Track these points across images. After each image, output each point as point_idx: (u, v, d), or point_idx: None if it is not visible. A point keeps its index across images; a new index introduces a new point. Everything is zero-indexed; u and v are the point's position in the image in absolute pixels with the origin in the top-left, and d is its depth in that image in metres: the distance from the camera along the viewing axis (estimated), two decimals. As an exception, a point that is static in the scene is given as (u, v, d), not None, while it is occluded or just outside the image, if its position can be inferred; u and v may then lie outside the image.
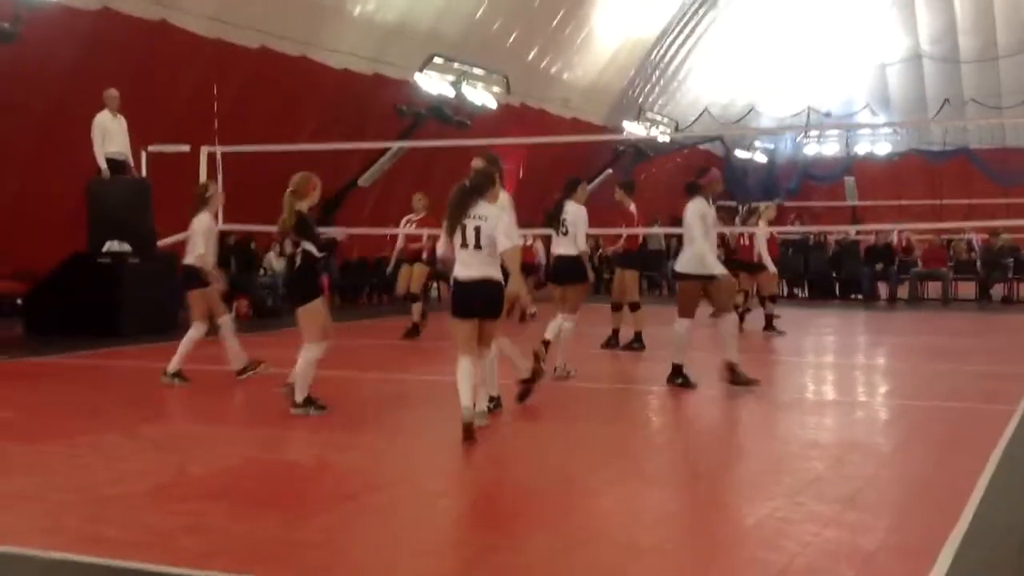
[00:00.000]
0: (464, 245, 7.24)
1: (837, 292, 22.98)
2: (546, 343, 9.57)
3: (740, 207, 30.60)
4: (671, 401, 9.37)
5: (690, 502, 5.72)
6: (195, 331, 9.88)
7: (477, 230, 7.21)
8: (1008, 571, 4.43)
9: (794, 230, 24.89)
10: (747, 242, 15.38)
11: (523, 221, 27.88)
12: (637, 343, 12.55)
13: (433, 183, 23.28)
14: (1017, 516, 5.32)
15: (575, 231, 10.24)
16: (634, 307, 12.70)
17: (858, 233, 24.15)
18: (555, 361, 10.03)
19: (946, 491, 5.96)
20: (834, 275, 23.11)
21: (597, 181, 25.41)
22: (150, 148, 15.02)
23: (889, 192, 30.72)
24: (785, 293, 23.75)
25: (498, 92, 23.33)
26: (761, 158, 38.90)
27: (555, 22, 24.60)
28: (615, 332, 12.82)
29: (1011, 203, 21.47)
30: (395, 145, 19.79)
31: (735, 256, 15.08)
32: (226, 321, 10.14)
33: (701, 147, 33.78)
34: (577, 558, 4.75)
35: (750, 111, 34.58)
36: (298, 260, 8.55)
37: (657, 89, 31.55)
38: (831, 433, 7.90)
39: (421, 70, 21.16)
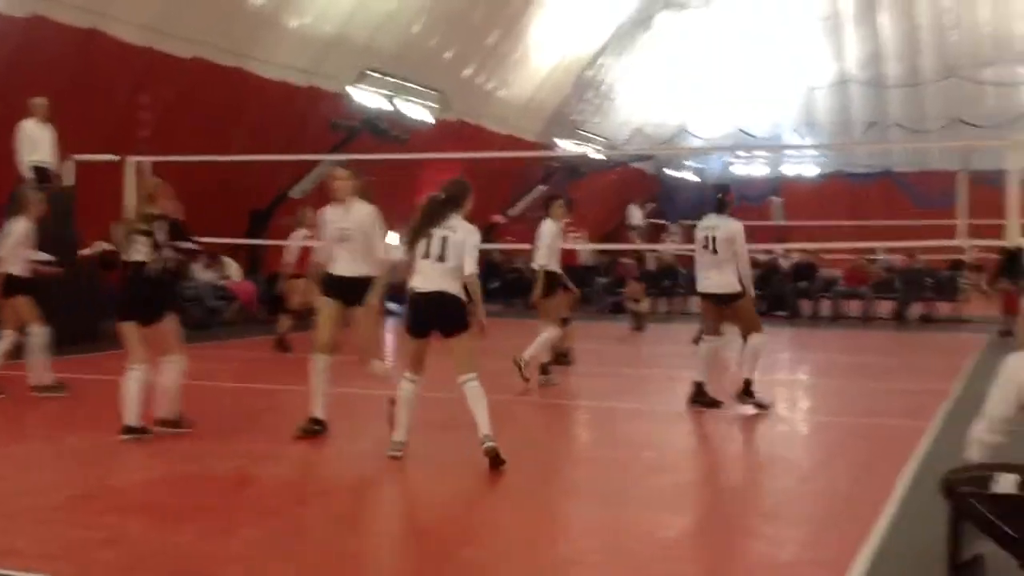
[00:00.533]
0: (426, 256, 6.87)
1: (763, 309, 23.31)
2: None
3: (670, 225, 30.96)
4: (599, 417, 9.46)
5: (614, 516, 5.78)
6: (5, 341, 9.53)
7: (444, 240, 6.85)
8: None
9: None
10: None
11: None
12: (564, 358, 12.64)
13: (367, 197, 23.25)
14: (931, 531, 5.44)
15: (540, 245, 10.87)
16: (564, 322, 12.77)
17: (786, 252, 24.53)
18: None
19: (864, 505, 6.09)
20: (759, 292, 23.47)
21: (530, 198, 25.60)
22: (77, 157, 14.79)
23: (815, 212, 31.27)
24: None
25: (435, 108, 23.36)
26: (692, 178, 39.40)
27: (492, 39, 24.72)
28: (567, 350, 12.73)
29: (931, 224, 21.98)
30: (329, 158, 19.71)
31: None
32: (37, 332, 9.61)
33: (633, 165, 34.13)
34: (505, 570, 4.79)
35: (681, 131, 35.04)
36: (167, 266, 7.84)
37: (591, 107, 31.85)
38: (753, 448, 8.03)
39: (356, 84, 21.12)
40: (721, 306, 9.43)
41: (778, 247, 25.62)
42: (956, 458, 7.54)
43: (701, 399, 9.32)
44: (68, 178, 14.78)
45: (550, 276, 10.87)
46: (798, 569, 4.77)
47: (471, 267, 6.86)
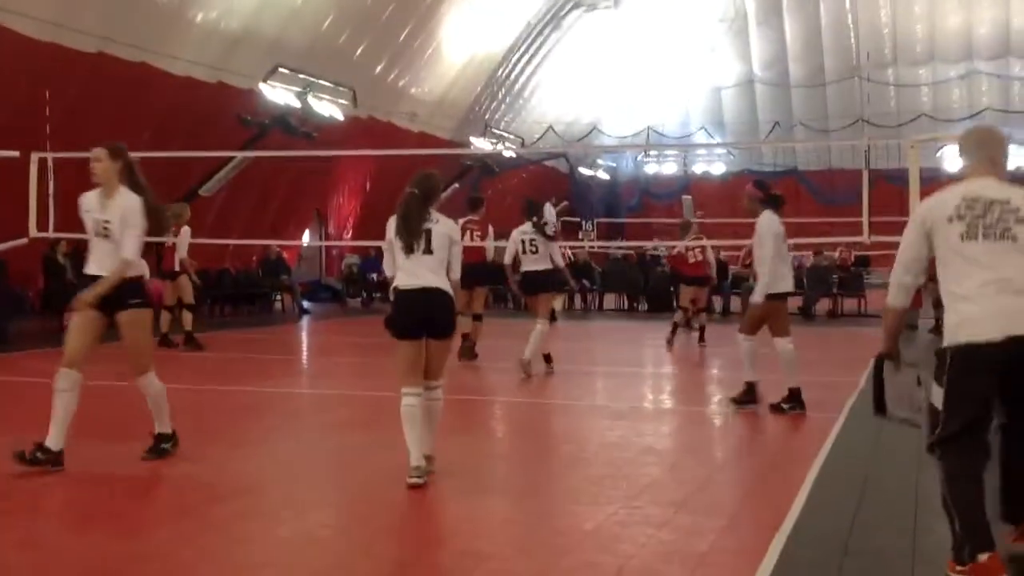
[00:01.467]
0: (410, 250, 6.35)
1: (674, 306, 23.63)
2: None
3: (584, 223, 31.27)
4: (514, 412, 9.51)
5: (529, 509, 5.83)
6: None
7: (427, 233, 6.38)
8: (833, 570, 4.67)
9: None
10: (699, 257, 15.83)
11: (371, 233, 27.80)
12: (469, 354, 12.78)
13: (278, 193, 23.02)
14: (840, 517, 5.61)
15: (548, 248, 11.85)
16: (477, 318, 12.90)
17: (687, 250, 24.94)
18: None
19: (776, 494, 6.25)
20: (671, 289, 23.79)
21: (444, 196, 25.52)
22: (-24, 153, 14.37)
23: (724, 210, 31.83)
24: (625, 307, 24.34)
25: (345, 104, 23.21)
26: (604, 176, 39.76)
27: (403, 36, 24.66)
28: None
29: (835, 222, 22.56)
30: (239, 155, 19.46)
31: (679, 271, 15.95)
32: None
33: (546, 163, 34.34)
34: (421, 565, 4.79)
35: (593, 130, 35.35)
36: None
37: (503, 106, 31.95)
38: (667, 440, 8.16)
39: (266, 80, 20.88)
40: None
41: (687, 244, 26.02)
42: (863, 447, 7.79)
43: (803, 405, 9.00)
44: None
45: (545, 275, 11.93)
46: (714, 557, 4.86)
47: (457, 270, 6.50)
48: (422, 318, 6.31)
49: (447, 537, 5.50)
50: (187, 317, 14.41)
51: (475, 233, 12.70)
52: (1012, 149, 12.35)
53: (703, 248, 16.03)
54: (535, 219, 12.04)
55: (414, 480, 6.13)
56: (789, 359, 9.08)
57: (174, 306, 14.46)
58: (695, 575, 4.56)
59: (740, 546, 5.10)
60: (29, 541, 5.01)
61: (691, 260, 16.06)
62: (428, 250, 6.34)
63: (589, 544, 5.06)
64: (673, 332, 15.41)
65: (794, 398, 8.99)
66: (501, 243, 12.84)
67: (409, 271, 6.34)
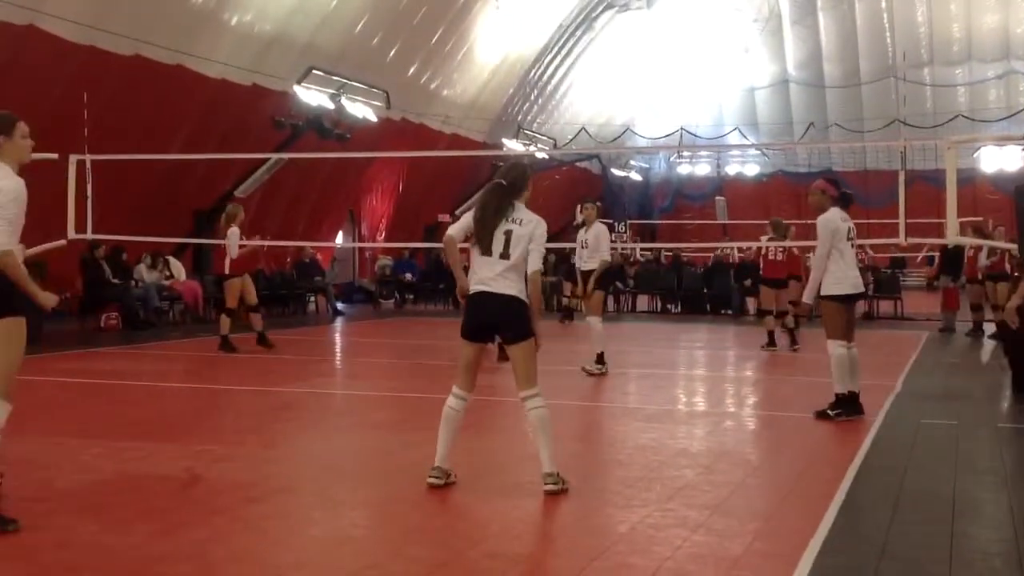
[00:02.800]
0: (487, 252, 6.12)
1: (708, 308, 23.56)
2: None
3: (616, 224, 31.21)
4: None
5: (563, 510, 5.82)
6: None
7: (508, 235, 6.10)
8: (868, 575, 4.63)
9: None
10: (779, 256, 15.30)
11: (404, 235, 27.94)
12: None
13: (311, 195, 23.15)
14: (876, 522, 5.56)
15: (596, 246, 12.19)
16: None
17: (728, 251, 24.83)
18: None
19: (810, 498, 6.20)
20: (705, 291, 23.71)
21: (477, 197, 25.58)
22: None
23: (758, 211, 31.65)
24: (659, 309, 24.27)
25: (378, 106, 23.30)
26: (636, 177, 39.67)
27: (435, 39, 24.71)
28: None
29: (871, 223, 22.38)
30: (273, 157, 19.59)
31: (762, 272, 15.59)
32: None
33: (579, 165, 34.31)
34: (454, 566, 4.80)
35: (625, 131, 35.26)
36: None
37: (536, 107, 31.94)
38: (701, 442, 8.11)
39: (300, 82, 21.00)
40: (851, 307, 9.09)
41: (723, 245, 25.91)
42: (900, 451, 7.72)
43: (860, 409, 8.85)
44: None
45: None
46: (747, 561, 4.84)
47: (536, 263, 6.14)
48: (485, 322, 6.18)
49: (479, 538, 5.49)
50: (255, 318, 14.29)
51: None
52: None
53: (786, 248, 15.34)
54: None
55: (431, 480, 6.15)
56: (836, 363, 8.83)
57: (236, 308, 14.24)
58: (729, 579, 4.54)
59: (774, 550, 5.07)
60: (64, 541, 5.05)
61: (772, 259, 15.45)
62: (505, 254, 6.10)
63: (623, 546, 5.04)
64: (771, 338, 14.95)
65: (841, 403, 8.79)
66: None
67: (481, 273, 6.15)
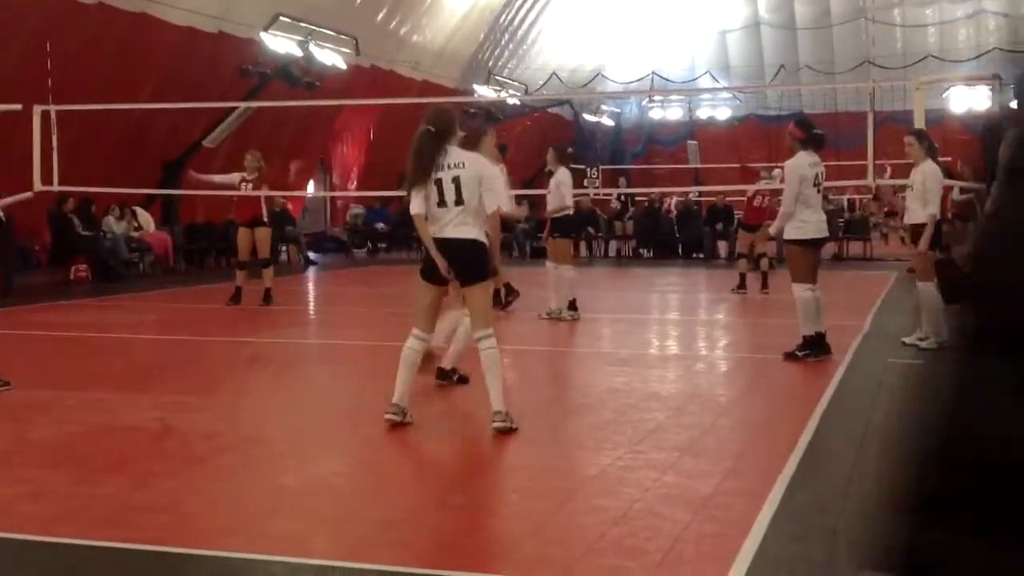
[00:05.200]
0: (442, 203, 6.16)
1: (680, 252, 23.64)
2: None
3: (588, 170, 31.15)
4: (519, 360, 9.55)
5: (535, 455, 5.88)
6: None
7: (456, 181, 6.15)
8: (834, 511, 4.73)
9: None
10: (764, 203, 15.27)
11: (376, 184, 27.69)
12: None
13: (281, 144, 22.95)
14: (842, 461, 5.66)
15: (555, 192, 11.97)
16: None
17: (699, 195, 24.86)
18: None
19: (779, 438, 6.30)
20: (677, 235, 23.78)
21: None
22: (-20, 106, 14.34)
23: (730, 155, 31.68)
24: (631, 254, 24.34)
25: (347, 53, 23.04)
26: (608, 122, 39.55)
27: (404, -18, 24.41)
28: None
29: (843, 165, 22.44)
30: (241, 105, 19.38)
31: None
32: None
33: (551, 111, 34.14)
34: (428, 510, 4.86)
35: (597, 76, 35.07)
36: None
37: (507, 53, 31.68)
38: (672, 385, 8.20)
39: (267, 29, 20.72)
40: (817, 251, 9.06)
41: (694, 189, 25.95)
42: (867, 390, 7.84)
43: (827, 349, 8.87)
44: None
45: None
46: (717, 500, 4.92)
47: (492, 203, 6.25)
48: (450, 264, 6.20)
49: (455, 483, 5.56)
50: (268, 273, 13.81)
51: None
52: None
53: (771, 195, 15.20)
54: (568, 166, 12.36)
55: (389, 416, 6.27)
56: (802, 306, 8.88)
57: (245, 261, 13.76)
58: (698, 517, 4.62)
59: (743, 488, 5.15)
60: (40, 493, 5.07)
61: (756, 204, 15.54)
62: (459, 200, 6.14)
63: (594, 488, 5.12)
64: (742, 281, 14.90)
65: (808, 344, 8.85)
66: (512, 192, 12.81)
67: (441, 221, 6.20)
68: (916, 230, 9.41)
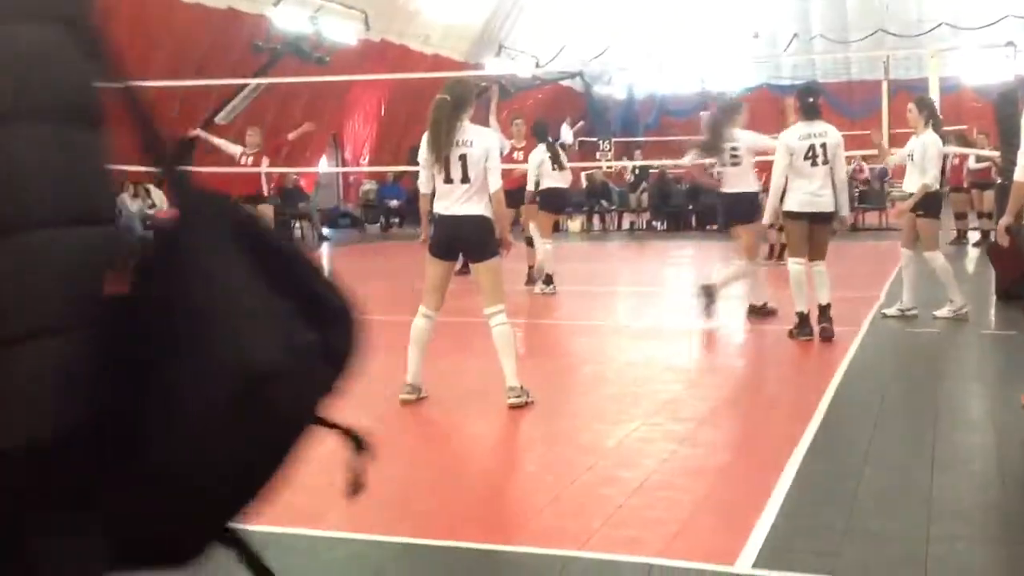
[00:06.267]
0: (448, 180, 6.15)
1: (693, 224, 23.57)
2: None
3: (600, 143, 31.01)
4: (535, 333, 9.57)
5: (552, 427, 5.90)
6: None
7: (463, 159, 6.13)
8: (851, 482, 4.73)
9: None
10: None
11: (388, 159, 27.63)
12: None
13: (292, 120, 22.93)
14: (859, 430, 5.66)
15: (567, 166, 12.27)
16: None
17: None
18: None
19: (795, 408, 6.30)
20: (690, 207, 23.70)
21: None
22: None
23: (743, 126, 31.54)
24: (644, 226, 24.29)
25: (357, 27, 22.98)
26: (620, 94, 39.37)
27: (413, -44, 24.30)
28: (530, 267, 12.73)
29: (856, 135, 22.31)
30: (252, 82, 19.36)
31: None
32: None
33: (562, 83, 33.99)
34: (444, 482, 4.88)
35: (608, 48, 34.89)
36: None
37: (517, 26, 31.54)
38: (687, 358, 8.21)
39: (276, 4, 20.67)
40: (815, 224, 8.56)
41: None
42: (884, 359, 7.83)
43: (808, 331, 8.46)
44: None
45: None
46: (733, 471, 4.93)
47: (495, 182, 6.20)
48: (453, 242, 6.28)
49: (471, 457, 5.59)
50: None
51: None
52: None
53: None
54: (549, 140, 12.07)
55: (404, 396, 6.33)
56: (791, 280, 8.61)
57: None
58: (714, 487, 4.63)
59: (759, 459, 5.16)
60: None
61: None
62: (465, 178, 6.13)
63: (611, 460, 5.13)
64: (771, 252, 14.70)
65: (803, 323, 8.52)
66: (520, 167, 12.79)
67: (446, 198, 6.21)
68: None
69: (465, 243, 6.29)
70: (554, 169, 12.05)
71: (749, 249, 9.52)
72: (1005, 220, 6.00)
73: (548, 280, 11.83)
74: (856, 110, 30.56)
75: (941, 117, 9.70)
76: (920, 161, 9.17)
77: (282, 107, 21.50)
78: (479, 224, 6.21)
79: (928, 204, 9.24)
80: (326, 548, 4.02)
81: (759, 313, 9.71)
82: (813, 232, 8.60)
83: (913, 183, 9.32)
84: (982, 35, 29.16)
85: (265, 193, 13.88)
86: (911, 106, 9.48)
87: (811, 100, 8.72)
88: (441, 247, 6.30)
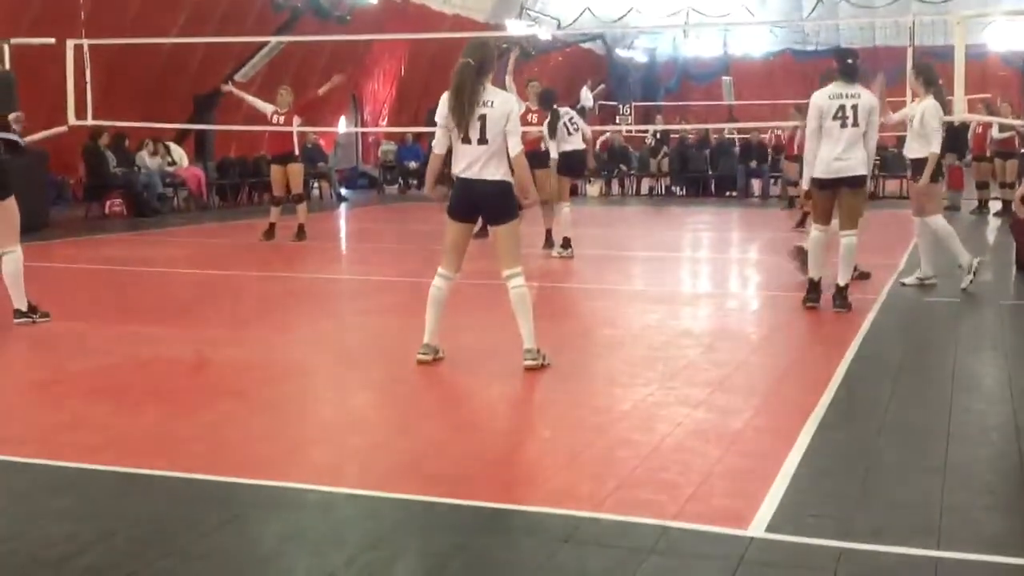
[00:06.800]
0: (467, 140, 6.12)
1: (712, 190, 23.47)
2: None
3: (620, 106, 30.83)
4: (553, 297, 9.57)
5: (568, 390, 5.91)
6: None
7: (482, 119, 6.09)
8: (866, 448, 4.73)
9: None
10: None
11: (407, 120, 27.56)
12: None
13: (312, 79, 22.86)
14: (875, 398, 5.65)
15: (582, 129, 12.51)
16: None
17: (734, 132, 24.59)
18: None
19: (811, 375, 6.29)
20: (709, 173, 23.59)
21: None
22: (13, 41, 14.37)
23: (765, 91, 31.26)
24: (663, 191, 24.20)
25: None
26: (641, 58, 39.08)
27: (435, -86, 24.09)
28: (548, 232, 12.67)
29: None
30: (272, 40, 19.30)
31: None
32: None
33: (583, 46, 33.76)
34: (460, 443, 4.91)
35: (630, 10, 34.57)
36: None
37: (539, -14, 31.30)
38: (704, 323, 8.19)
39: (297, -38, 20.56)
40: (841, 190, 8.27)
41: (729, 126, 25.69)
42: (902, 328, 7.81)
43: (814, 298, 8.38)
44: (2, 62, 14.39)
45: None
46: (748, 435, 4.93)
47: (516, 145, 6.16)
48: (471, 204, 6.26)
49: (486, 417, 5.61)
50: (302, 209, 13.85)
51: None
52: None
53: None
54: (555, 108, 12.19)
55: (421, 356, 6.34)
56: (810, 245, 8.55)
57: (280, 196, 13.80)
58: (730, 452, 4.63)
59: (774, 425, 5.16)
60: (79, 422, 5.16)
61: (798, 140, 15.36)
62: (483, 139, 6.10)
63: (626, 423, 5.14)
64: (804, 219, 14.65)
65: (811, 289, 8.42)
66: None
67: (464, 160, 6.17)
68: (916, 164, 9.24)
69: (483, 206, 6.28)
70: (569, 134, 12.15)
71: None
72: (1022, 190, 5.96)
73: (566, 243, 11.83)
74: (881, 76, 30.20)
75: (943, 84, 9.50)
76: (919, 128, 9.08)
77: (302, 65, 21.43)
78: (498, 187, 6.19)
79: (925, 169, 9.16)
80: (340, 504, 4.05)
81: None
82: (841, 198, 8.34)
83: (912, 150, 9.24)
84: (1009, 2, 28.76)
85: (296, 152, 13.88)
86: (909, 72, 9.40)
87: (849, 61, 8.39)
88: (459, 209, 6.29)
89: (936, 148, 9.04)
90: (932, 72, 9.48)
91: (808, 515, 3.87)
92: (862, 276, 9.63)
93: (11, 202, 7.70)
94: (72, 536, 3.63)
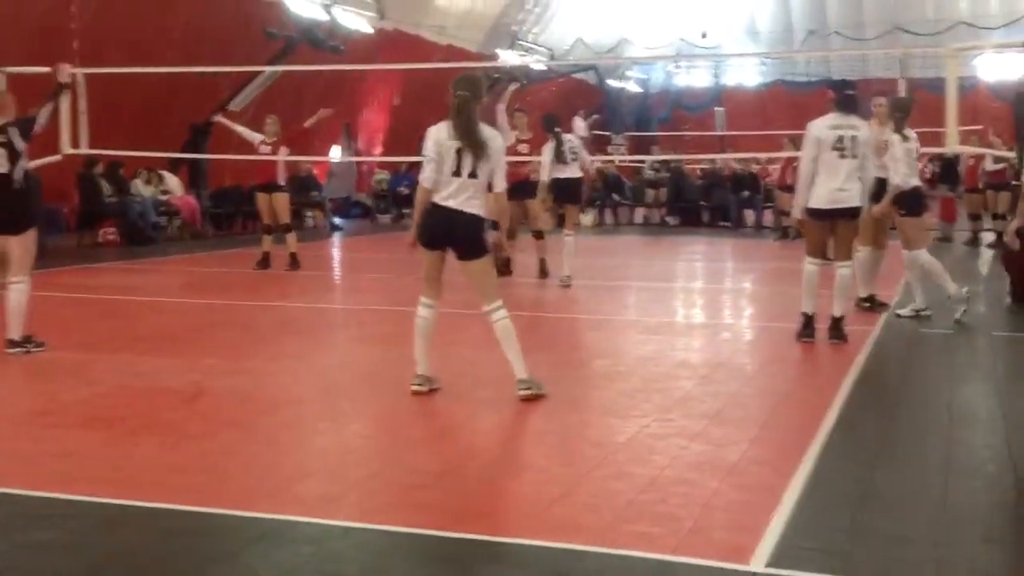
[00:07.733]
0: (457, 173, 6.14)
1: (705, 220, 23.50)
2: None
3: (613, 136, 30.91)
4: (548, 327, 9.56)
5: (565, 421, 5.89)
6: None
7: (478, 155, 6.17)
8: (864, 480, 4.72)
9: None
10: None
11: (400, 149, 27.54)
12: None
13: (306, 109, 22.91)
14: (872, 430, 5.65)
15: (582, 158, 12.60)
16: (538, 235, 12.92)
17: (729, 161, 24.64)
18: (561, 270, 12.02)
19: (807, 406, 6.28)
20: (702, 203, 23.63)
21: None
22: (8, 69, 14.38)
23: (756, 122, 31.39)
24: (658, 221, 24.23)
25: (372, 16, 22.95)
26: (634, 88, 39.27)
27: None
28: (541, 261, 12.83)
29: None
30: (267, 69, 19.34)
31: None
32: None
33: (576, 76, 33.91)
34: (455, 474, 4.88)
35: (623, 41, 34.80)
36: (17, 177, 7.72)
37: (532, 17, 31.47)
38: (699, 354, 8.18)
39: (291, -9, 20.64)
40: (838, 221, 8.20)
41: (721, 157, 25.75)
42: (897, 360, 7.81)
43: (809, 333, 8.29)
44: (-1, 91, 14.39)
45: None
46: (745, 467, 4.92)
47: (501, 183, 6.25)
48: (445, 231, 6.25)
49: (482, 447, 5.59)
50: (291, 238, 13.88)
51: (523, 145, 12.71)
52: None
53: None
54: (555, 131, 12.15)
55: (415, 387, 6.36)
56: (804, 279, 8.34)
57: (268, 225, 13.88)
58: (727, 485, 4.62)
59: (771, 456, 5.15)
60: (71, 451, 5.13)
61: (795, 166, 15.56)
62: (474, 173, 6.14)
63: (623, 455, 5.12)
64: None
65: (806, 324, 8.28)
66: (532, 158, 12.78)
67: (448, 189, 6.17)
68: (899, 198, 9.20)
69: (455, 238, 6.27)
70: (567, 163, 12.15)
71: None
72: (1016, 223, 5.97)
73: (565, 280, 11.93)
74: (872, 108, 30.39)
75: (908, 123, 9.49)
76: (888, 160, 9.10)
77: (297, 95, 21.46)
78: (474, 220, 6.22)
79: (908, 203, 9.19)
80: (335, 537, 4.02)
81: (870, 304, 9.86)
82: (837, 230, 8.28)
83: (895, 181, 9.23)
84: (999, 34, 29.02)
85: (281, 182, 13.90)
86: (882, 101, 9.47)
87: (848, 92, 8.38)
88: (431, 237, 6.29)
89: (899, 179, 9.09)
90: (905, 108, 9.48)
91: (808, 549, 3.85)
92: (879, 306, 9.73)
93: (32, 233, 7.82)
94: (57, 571, 3.60)
